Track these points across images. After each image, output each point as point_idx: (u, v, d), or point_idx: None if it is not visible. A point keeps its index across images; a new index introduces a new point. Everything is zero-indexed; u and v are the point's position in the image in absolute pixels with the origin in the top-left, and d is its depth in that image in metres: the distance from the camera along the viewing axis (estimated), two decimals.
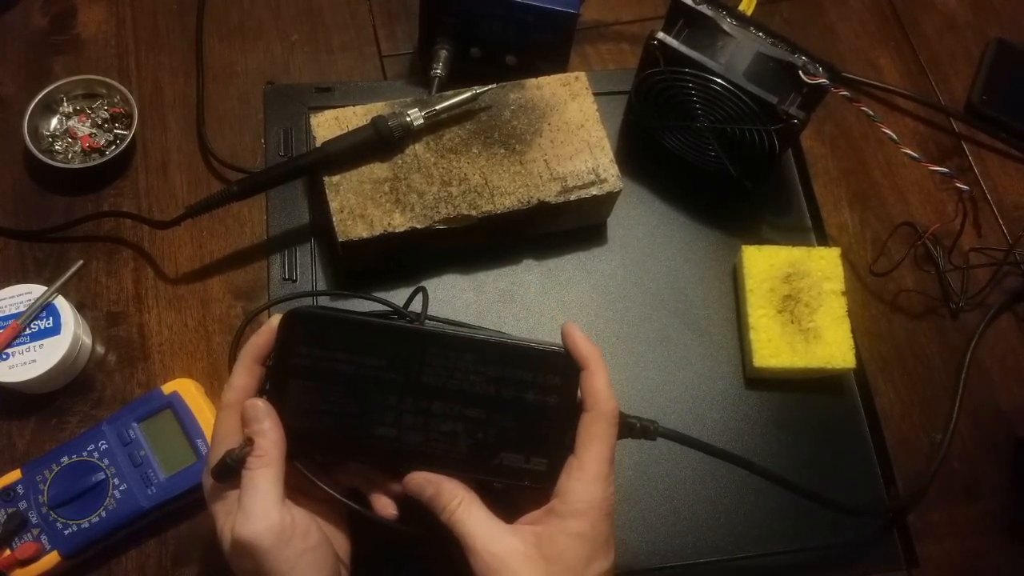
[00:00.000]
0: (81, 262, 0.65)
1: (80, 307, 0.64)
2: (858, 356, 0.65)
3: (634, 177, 0.73)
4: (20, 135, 0.67)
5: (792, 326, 0.65)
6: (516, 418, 0.48)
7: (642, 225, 0.72)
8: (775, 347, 0.64)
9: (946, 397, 0.68)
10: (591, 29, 0.80)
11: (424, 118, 0.64)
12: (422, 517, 0.48)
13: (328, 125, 0.65)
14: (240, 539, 0.44)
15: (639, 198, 0.73)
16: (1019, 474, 0.66)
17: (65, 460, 0.57)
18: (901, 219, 0.73)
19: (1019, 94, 0.80)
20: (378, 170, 0.64)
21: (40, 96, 0.69)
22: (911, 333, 0.70)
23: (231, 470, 0.46)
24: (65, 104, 0.71)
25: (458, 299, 0.67)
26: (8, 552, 0.55)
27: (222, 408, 0.48)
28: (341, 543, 0.50)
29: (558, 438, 0.48)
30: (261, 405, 0.47)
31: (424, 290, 0.53)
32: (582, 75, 0.68)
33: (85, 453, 0.57)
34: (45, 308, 0.61)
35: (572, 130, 0.66)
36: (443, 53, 0.71)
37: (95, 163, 0.68)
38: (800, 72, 0.63)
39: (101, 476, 0.57)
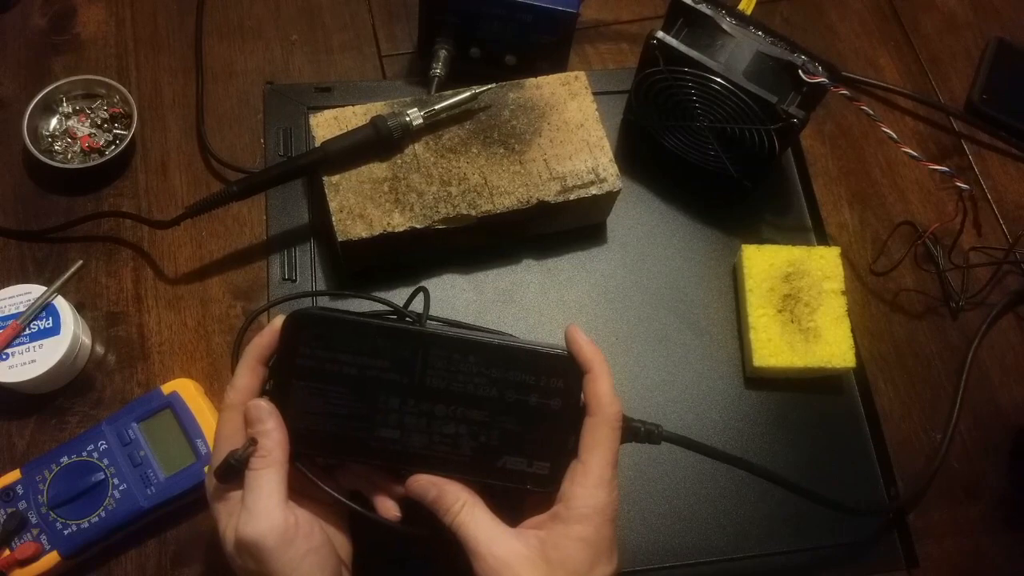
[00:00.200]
0: (81, 262, 0.65)
1: (80, 307, 0.64)
2: (858, 356, 0.65)
3: (634, 177, 0.73)
4: (20, 135, 0.67)
5: (792, 326, 0.65)
6: (519, 421, 0.48)
7: (642, 225, 0.72)
8: (775, 347, 0.64)
9: (946, 397, 0.68)
10: (590, 29, 0.80)
11: (423, 118, 0.64)
12: (425, 519, 0.48)
13: (327, 125, 0.65)
14: (243, 539, 0.44)
15: (639, 198, 0.72)
16: (1019, 473, 0.66)
17: (65, 460, 0.57)
18: (901, 218, 0.73)
19: (1019, 94, 0.80)
20: (377, 170, 0.64)
21: (40, 96, 0.69)
22: (911, 333, 0.70)
23: (234, 470, 0.46)
24: (65, 104, 0.71)
25: (458, 299, 0.67)
26: (8, 552, 0.55)
27: (225, 409, 0.48)
28: (343, 545, 0.50)
29: (561, 442, 0.48)
30: (264, 405, 0.47)
31: (425, 290, 0.53)
32: (581, 75, 0.68)
33: (85, 453, 0.57)
34: (45, 308, 0.61)
35: (571, 130, 0.66)
36: (443, 53, 0.71)
37: (95, 163, 0.68)
38: (800, 71, 0.63)
39: (101, 476, 0.57)
